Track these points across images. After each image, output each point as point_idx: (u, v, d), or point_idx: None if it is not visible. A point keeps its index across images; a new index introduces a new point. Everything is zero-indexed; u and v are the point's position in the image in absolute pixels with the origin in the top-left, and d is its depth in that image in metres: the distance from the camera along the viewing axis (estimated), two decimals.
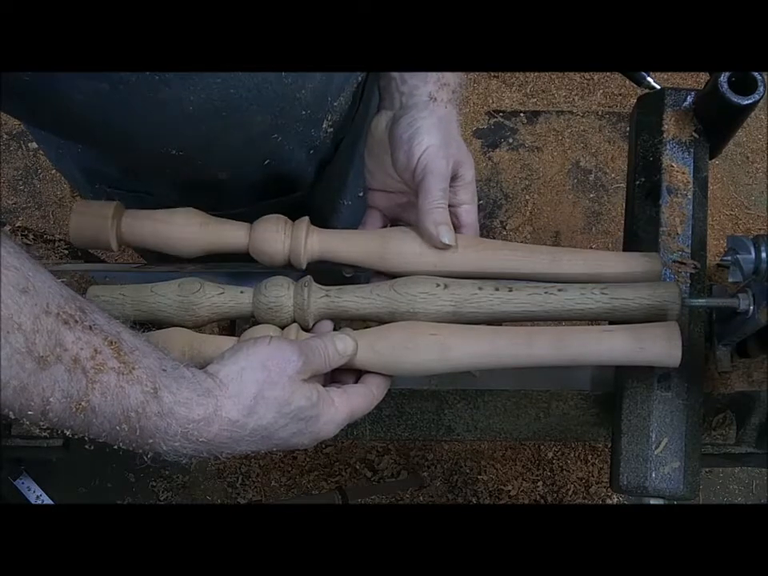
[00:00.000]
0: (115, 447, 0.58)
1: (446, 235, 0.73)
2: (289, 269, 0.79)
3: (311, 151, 0.90)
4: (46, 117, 0.72)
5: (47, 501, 1.51)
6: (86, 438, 0.56)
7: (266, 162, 0.86)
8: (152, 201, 0.94)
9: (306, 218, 0.77)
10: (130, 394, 0.55)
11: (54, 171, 1.95)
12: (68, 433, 0.55)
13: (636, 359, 0.70)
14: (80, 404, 0.53)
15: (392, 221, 0.83)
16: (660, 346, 0.69)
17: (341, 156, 0.98)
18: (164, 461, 0.60)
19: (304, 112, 0.82)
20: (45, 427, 0.53)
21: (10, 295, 0.49)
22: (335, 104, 0.87)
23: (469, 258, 0.75)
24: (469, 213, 0.77)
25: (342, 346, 0.68)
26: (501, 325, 0.74)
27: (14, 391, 0.50)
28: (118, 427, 0.55)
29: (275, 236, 0.75)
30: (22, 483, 1.53)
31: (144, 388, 0.56)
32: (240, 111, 0.75)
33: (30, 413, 0.52)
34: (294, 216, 0.79)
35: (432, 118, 0.74)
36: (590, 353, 0.70)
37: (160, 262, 0.93)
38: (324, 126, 0.87)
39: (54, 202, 1.93)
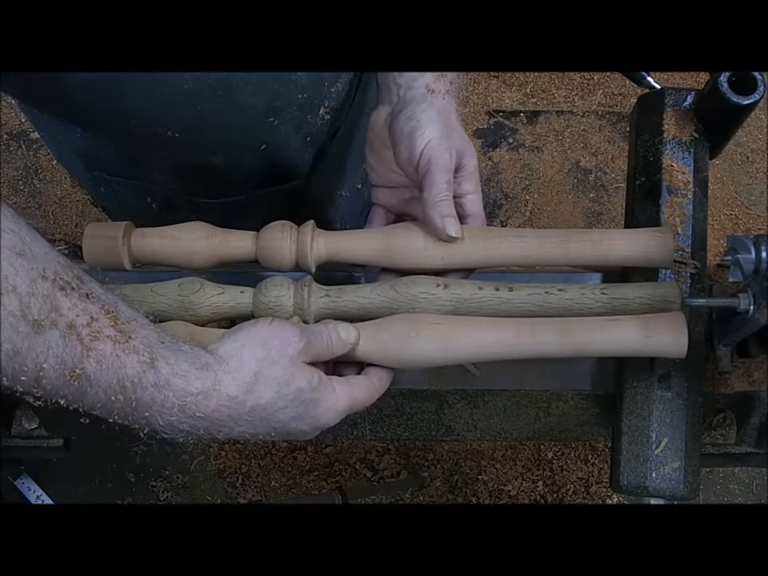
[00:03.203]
0: (110, 419, 0.56)
1: (453, 228, 0.73)
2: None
3: (308, 138, 0.90)
4: (43, 95, 0.71)
5: (47, 501, 1.52)
6: (81, 410, 0.55)
7: (262, 147, 0.86)
8: (151, 188, 0.94)
9: (312, 222, 0.77)
10: (126, 363, 0.54)
11: (54, 171, 1.95)
12: (62, 402, 0.53)
13: (642, 349, 0.69)
14: (74, 371, 0.52)
15: (397, 216, 0.82)
16: (666, 336, 0.68)
17: (338, 145, 0.98)
18: (162, 439, 0.59)
19: (300, 96, 0.82)
20: (39, 395, 0.52)
21: (6, 257, 0.49)
22: (332, 90, 0.87)
23: (475, 247, 0.75)
24: (474, 202, 0.77)
25: (344, 333, 0.67)
26: None
27: (6, 355, 0.49)
28: (113, 397, 0.54)
29: (281, 242, 0.75)
30: (22, 483, 1.54)
31: (140, 358, 0.55)
32: (235, 92, 0.75)
33: (23, 378, 0.51)
34: (293, 205, 0.79)
35: (431, 111, 0.74)
36: (596, 342, 0.69)
37: None
38: (321, 112, 0.87)
39: (54, 202, 1.93)
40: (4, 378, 0.50)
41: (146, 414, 0.56)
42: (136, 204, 0.98)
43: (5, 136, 1.98)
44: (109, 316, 0.54)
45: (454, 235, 0.73)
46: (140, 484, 1.73)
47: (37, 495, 1.54)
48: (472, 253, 0.75)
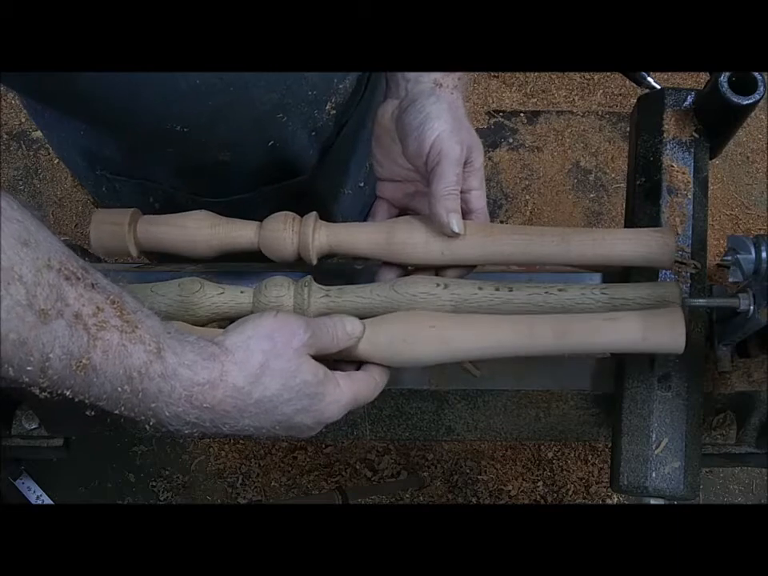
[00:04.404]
0: (116, 411, 0.56)
1: (456, 224, 0.73)
2: (298, 268, 0.80)
3: (313, 133, 0.90)
4: (52, 90, 0.71)
5: (47, 501, 1.51)
6: (87, 402, 0.54)
7: (269, 144, 0.86)
8: (153, 187, 0.94)
9: (314, 213, 0.77)
10: (133, 353, 0.54)
11: (54, 171, 1.95)
12: (68, 393, 0.53)
13: (640, 346, 0.69)
14: (80, 362, 0.52)
15: (400, 211, 0.83)
16: (664, 333, 0.67)
17: (343, 142, 0.98)
18: (167, 431, 0.58)
19: (310, 92, 0.82)
20: (45, 386, 0.52)
21: (11, 246, 0.48)
22: (341, 86, 0.87)
23: (476, 243, 0.75)
24: (478, 199, 0.77)
25: (350, 327, 0.67)
26: None
27: (12, 345, 0.49)
28: (119, 388, 0.54)
29: (283, 233, 0.76)
30: (22, 483, 1.53)
31: (147, 348, 0.55)
32: (247, 88, 0.75)
33: (29, 368, 0.50)
34: (296, 203, 0.79)
35: (441, 104, 0.74)
36: (593, 341, 0.69)
37: (162, 262, 0.94)
38: (327, 107, 0.88)
39: (54, 202, 1.93)
40: (10, 369, 0.50)
41: (153, 404, 0.56)
42: (138, 204, 0.98)
43: (5, 136, 1.98)
44: (115, 306, 0.54)
45: (456, 231, 0.73)
46: (140, 484, 1.73)
47: (37, 495, 1.54)
48: (473, 249, 0.75)
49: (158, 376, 0.55)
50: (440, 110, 0.74)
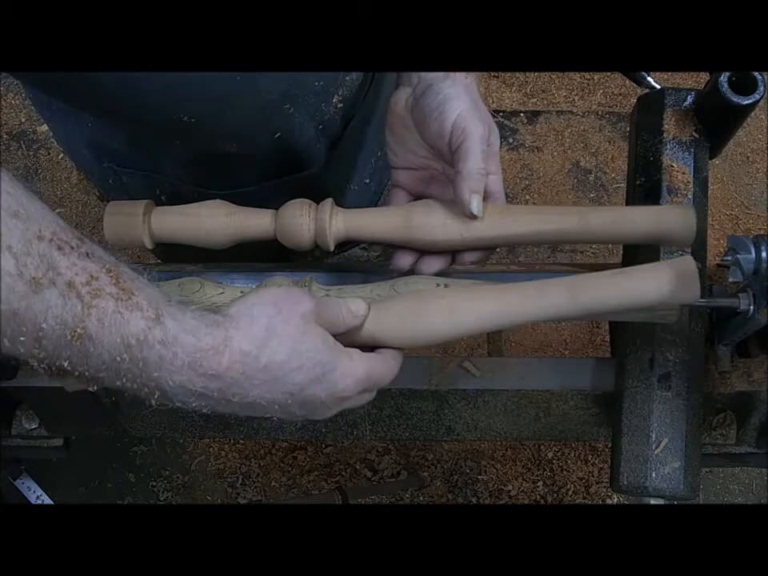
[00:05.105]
0: (118, 384, 0.54)
1: (477, 206, 0.72)
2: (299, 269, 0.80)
3: (320, 126, 0.90)
4: (58, 81, 0.70)
5: (47, 501, 1.51)
6: (87, 375, 0.53)
7: (276, 135, 0.86)
8: (160, 180, 0.94)
9: (330, 200, 0.77)
10: (130, 320, 0.53)
11: (54, 171, 1.95)
12: (66, 365, 0.52)
13: (654, 297, 0.66)
14: (75, 331, 0.51)
15: (416, 198, 0.82)
16: (676, 281, 0.65)
17: (350, 136, 0.98)
18: (162, 438, 0.58)
19: (317, 83, 0.83)
20: (41, 357, 0.51)
21: (1, 218, 0.48)
22: (347, 78, 0.88)
23: (494, 224, 0.74)
24: (495, 183, 0.77)
25: (354, 306, 0.65)
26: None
27: (4, 315, 0.49)
28: (118, 358, 0.53)
29: (300, 219, 0.76)
30: (22, 483, 1.53)
31: (145, 314, 0.53)
32: (254, 77, 0.76)
33: (22, 339, 0.50)
34: (302, 197, 0.79)
35: (457, 86, 0.74)
36: (607, 295, 0.66)
37: (165, 262, 0.94)
38: (334, 100, 0.88)
39: (54, 202, 1.93)
40: (5, 339, 0.50)
41: (155, 374, 0.55)
42: (144, 196, 0.98)
43: (5, 136, 1.98)
44: (110, 275, 0.53)
45: (475, 213, 0.72)
46: (140, 484, 1.73)
47: (37, 495, 1.54)
48: (491, 230, 0.75)
49: (157, 343, 0.54)
50: (458, 92, 0.74)
